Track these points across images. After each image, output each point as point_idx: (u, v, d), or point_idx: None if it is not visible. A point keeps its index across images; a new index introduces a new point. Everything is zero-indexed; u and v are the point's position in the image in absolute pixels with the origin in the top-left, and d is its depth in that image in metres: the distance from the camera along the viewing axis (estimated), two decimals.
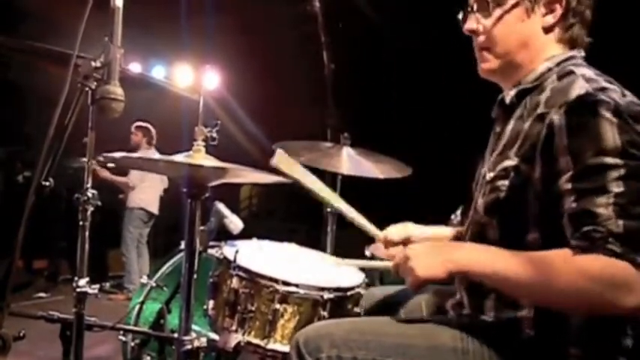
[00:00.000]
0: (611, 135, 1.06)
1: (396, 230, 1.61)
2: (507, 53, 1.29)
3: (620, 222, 1.02)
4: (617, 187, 1.03)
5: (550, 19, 1.27)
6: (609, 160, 1.05)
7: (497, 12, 1.28)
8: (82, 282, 1.52)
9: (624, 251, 1.00)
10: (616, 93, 1.11)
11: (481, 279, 1.18)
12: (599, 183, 1.05)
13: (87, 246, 1.54)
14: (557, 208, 1.09)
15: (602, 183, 1.04)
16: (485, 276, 1.15)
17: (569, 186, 1.08)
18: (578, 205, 1.06)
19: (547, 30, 1.28)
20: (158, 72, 6.67)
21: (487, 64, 1.33)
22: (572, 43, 1.29)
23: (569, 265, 1.04)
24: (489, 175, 1.25)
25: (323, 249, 2.36)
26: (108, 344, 3.10)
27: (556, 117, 1.11)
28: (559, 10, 1.26)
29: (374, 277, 2.19)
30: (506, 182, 1.20)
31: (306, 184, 1.56)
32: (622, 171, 1.04)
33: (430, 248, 1.23)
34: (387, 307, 1.60)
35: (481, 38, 1.32)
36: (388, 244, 1.59)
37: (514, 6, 1.27)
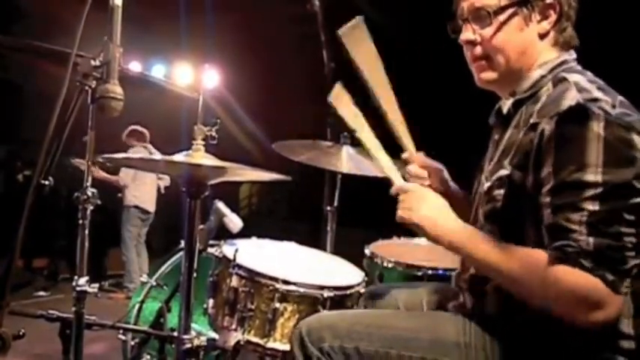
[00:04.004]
0: (595, 151, 1.06)
1: (436, 165, 1.53)
2: (507, 62, 1.29)
3: (591, 239, 1.04)
4: (592, 206, 1.04)
5: (546, 25, 1.27)
6: (589, 177, 1.05)
7: (496, 22, 1.27)
8: (82, 281, 1.52)
9: (595, 268, 1.03)
10: (607, 104, 1.10)
11: (466, 257, 1.26)
12: (574, 199, 1.06)
13: (87, 245, 1.54)
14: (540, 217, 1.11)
15: (577, 200, 1.05)
16: (470, 256, 1.22)
17: (547, 199, 1.10)
18: (553, 219, 1.08)
19: (542, 36, 1.28)
20: (158, 71, 6.66)
21: (486, 74, 1.33)
22: (565, 46, 1.29)
23: (548, 269, 1.07)
24: (486, 185, 1.26)
25: (323, 248, 2.35)
26: (108, 343, 3.10)
27: (547, 127, 1.12)
28: (553, 16, 1.27)
29: (374, 276, 2.19)
30: (501, 191, 1.21)
31: (355, 128, 1.48)
32: (599, 189, 1.04)
33: (443, 207, 1.27)
34: (386, 307, 1.60)
35: (478, 49, 1.31)
36: (420, 161, 1.51)
37: (512, 15, 1.26)
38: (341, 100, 1.47)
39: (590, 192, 1.05)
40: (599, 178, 1.05)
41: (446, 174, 1.55)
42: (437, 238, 1.24)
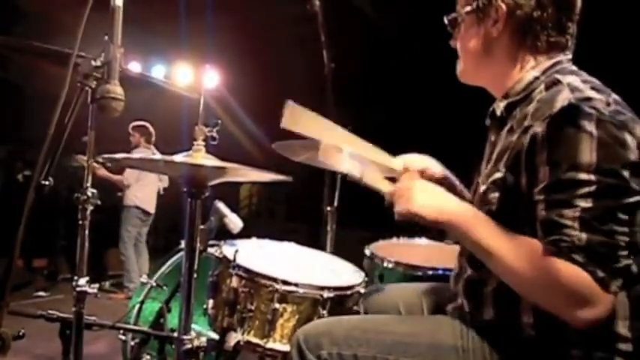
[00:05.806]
0: (588, 150, 1.06)
1: (417, 158, 1.55)
2: (470, 66, 1.37)
3: (584, 235, 1.04)
4: (584, 203, 1.05)
5: (494, 31, 1.28)
6: (582, 175, 1.05)
7: (458, 30, 1.37)
8: (82, 281, 1.52)
9: (586, 263, 1.03)
10: (601, 102, 1.10)
11: (463, 239, 1.22)
12: (567, 197, 1.06)
13: (87, 245, 1.54)
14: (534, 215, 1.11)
15: (570, 197, 1.06)
16: (467, 239, 1.19)
17: (541, 196, 1.10)
18: (546, 214, 1.08)
19: (497, 39, 1.29)
20: (158, 71, 6.67)
21: (458, 73, 1.41)
22: (546, 50, 1.27)
23: (543, 259, 1.07)
24: (482, 188, 1.26)
25: (323, 248, 2.36)
26: (108, 343, 3.10)
27: (539, 129, 1.12)
28: (501, 23, 1.27)
29: (374, 276, 2.19)
30: (496, 195, 1.20)
31: (322, 139, 1.49)
32: (593, 188, 1.05)
33: (438, 190, 1.26)
34: (386, 308, 1.60)
35: (459, 50, 1.40)
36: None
37: (463, 22, 1.35)
38: (297, 121, 1.41)
39: (584, 190, 1.05)
40: (592, 177, 1.05)
41: (435, 168, 1.53)
42: (437, 219, 1.20)
